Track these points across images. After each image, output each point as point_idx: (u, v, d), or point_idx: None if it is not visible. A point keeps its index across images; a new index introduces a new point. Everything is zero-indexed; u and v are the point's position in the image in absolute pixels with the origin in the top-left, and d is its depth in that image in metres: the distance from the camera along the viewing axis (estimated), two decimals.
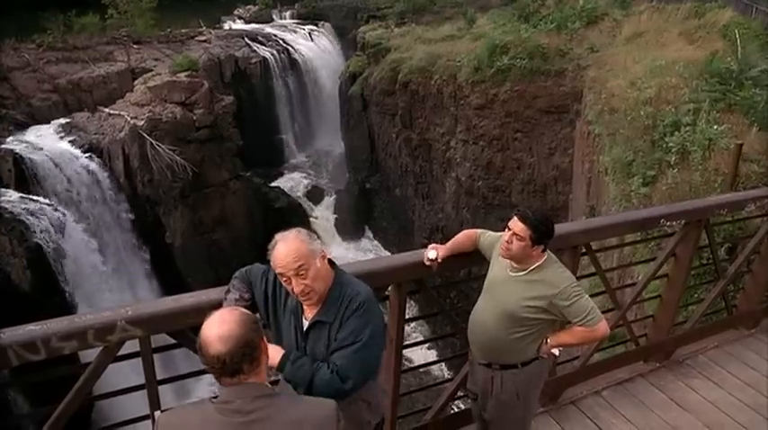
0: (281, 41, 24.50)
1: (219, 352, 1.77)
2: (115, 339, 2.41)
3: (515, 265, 2.96)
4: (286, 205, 21.05)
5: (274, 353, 2.38)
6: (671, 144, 8.41)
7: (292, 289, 2.34)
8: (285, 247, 2.32)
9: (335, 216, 22.49)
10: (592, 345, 4.44)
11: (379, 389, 2.59)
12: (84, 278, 13.20)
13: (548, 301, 2.87)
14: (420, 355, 14.95)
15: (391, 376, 3.27)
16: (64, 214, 12.91)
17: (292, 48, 24.45)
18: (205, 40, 23.48)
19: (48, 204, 12.74)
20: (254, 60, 22.82)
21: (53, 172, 13.86)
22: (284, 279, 2.34)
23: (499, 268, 3.04)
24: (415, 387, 4.39)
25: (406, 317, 3.33)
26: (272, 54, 23.46)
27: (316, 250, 2.35)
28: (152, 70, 19.44)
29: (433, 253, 3.03)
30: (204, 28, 24.86)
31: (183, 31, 24.08)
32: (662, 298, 4.67)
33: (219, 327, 1.80)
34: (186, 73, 17.98)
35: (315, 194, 23.49)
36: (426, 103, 16.33)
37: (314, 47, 25.59)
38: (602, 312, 4.86)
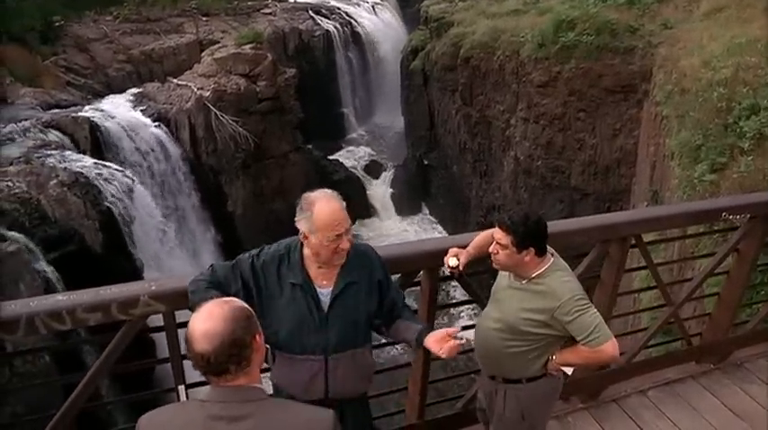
0: (344, 14, 24.48)
1: (204, 350, 1.65)
2: (138, 313, 2.44)
3: (517, 274, 2.73)
4: (344, 178, 21.26)
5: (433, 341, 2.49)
6: (746, 129, 7.89)
7: (336, 247, 2.35)
8: (336, 205, 2.37)
9: (393, 191, 22.55)
10: (637, 340, 4.29)
11: None
12: (150, 242, 13.88)
13: (549, 315, 2.60)
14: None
15: (420, 363, 3.24)
16: (133, 180, 13.53)
17: (355, 21, 24.39)
18: (270, 13, 23.74)
19: (118, 170, 13.38)
20: (317, 33, 22.93)
21: (124, 139, 14.54)
22: (335, 235, 2.33)
23: (503, 274, 2.82)
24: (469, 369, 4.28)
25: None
26: (336, 27, 23.49)
27: None
28: (219, 42, 19.92)
29: (453, 260, 2.76)
30: (270, 0, 25.13)
31: (249, 3, 24.44)
32: (720, 296, 4.39)
33: (205, 323, 1.68)
34: (251, 45, 18.27)
35: (373, 169, 23.60)
36: (487, 79, 15.95)
37: (377, 20, 25.43)
38: (653, 308, 4.68)
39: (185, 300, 2.37)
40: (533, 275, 2.67)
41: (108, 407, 10.21)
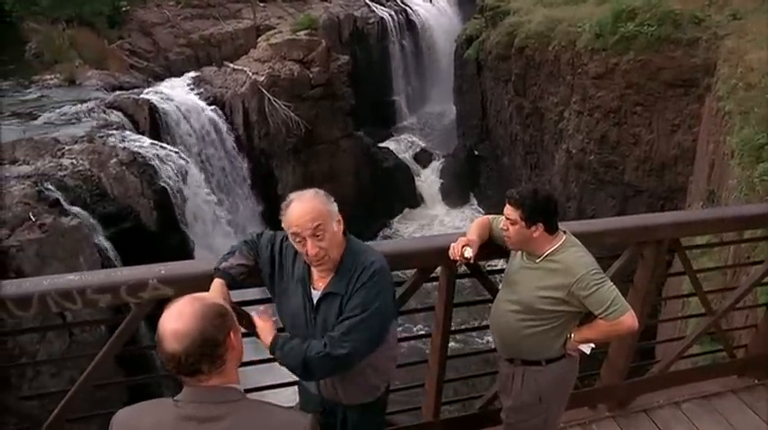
0: (399, 2, 24.40)
1: (174, 350, 1.60)
2: (147, 296, 2.45)
3: (530, 253, 2.72)
4: (393, 166, 21.29)
5: (266, 333, 2.36)
6: None
7: (306, 251, 2.25)
8: (302, 206, 2.23)
9: (442, 180, 22.40)
10: (676, 349, 4.12)
11: (388, 355, 2.56)
12: (201, 222, 14.32)
13: (566, 291, 2.60)
14: None
15: (437, 361, 3.21)
16: (187, 161, 13.94)
17: (410, 9, 24.26)
18: None
19: (174, 151, 13.82)
20: (371, 20, 22.94)
21: (181, 121, 14.99)
22: (298, 240, 2.25)
23: (515, 255, 2.82)
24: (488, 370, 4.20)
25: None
26: (390, 15, 23.43)
27: (333, 212, 2.28)
28: (275, 28, 20.18)
29: (468, 251, 2.67)
30: None
31: None
32: None
33: (175, 322, 1.62)
34: (306, 31, 18.46)
35: (423, 157, 23.50)
36: (541, 70, 15.57)
37: (432, 8, 25.20)
38: (692, 316, 4.45)
39: (193, 286, 2.37)
40: (546, 253, 2.67)
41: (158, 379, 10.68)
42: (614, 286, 2.63)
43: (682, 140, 12.92)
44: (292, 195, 2.31)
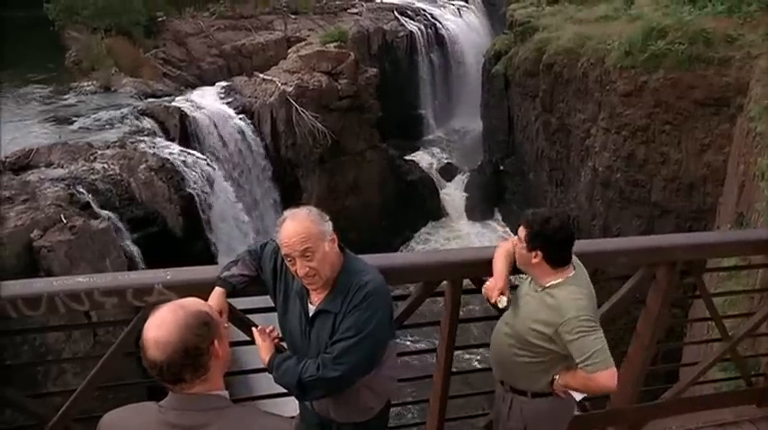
0: (429, 16, 24.57)
1: (156, 358, 1.59)
2: (152, 301, 2.48)
3: (535, 280, 2.66)
4: (418, 179, 21.34)
5: (264, 352, 2.39)
6: None
7: (296, 270, 2.26)
8: (293, 226, 2.23)
9: (466, 194, 22.36)
10: (691, 374, 4.01)
11: (386, 375, 2.54)
12: (226, 229, 14.50)
13: (553, 330, 2.51)
14: None
15: (441, 377, 3.19)
16: (214, 169, 14.18)
17: (440, 23, 24.41)
18: (357, 13, 24.21)
19: (202, 158, 14.07)
20: (401, 34, 23.13)
21: (210, 130, 15.27)
22: (289, 260, 2.28)
23: (527, 278, 2.78)
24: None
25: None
26: (420, 29, 23.61)
27: (326, 232, 2.27)
28: (305, 39, 20.53)
29: (504, 300, 2.63)
30: (357, 0, 25.59)
31: (337, 2, 25.06)
32: None
33: (157, 331, 1.60)
34: (335, 43, 18.70)
35: (448, 171, 23.51)
36: (569, 86, 15.46)
37: (461, 23, 25.30)
38: (708, 341, 4.33)
39: (199, 292, 2.31)
40: (547, 285, 2.60)
41: None
42: (603, 338, 2.47)
43: (711, 160, 12.65)
44: (286, 213, 2.32)
